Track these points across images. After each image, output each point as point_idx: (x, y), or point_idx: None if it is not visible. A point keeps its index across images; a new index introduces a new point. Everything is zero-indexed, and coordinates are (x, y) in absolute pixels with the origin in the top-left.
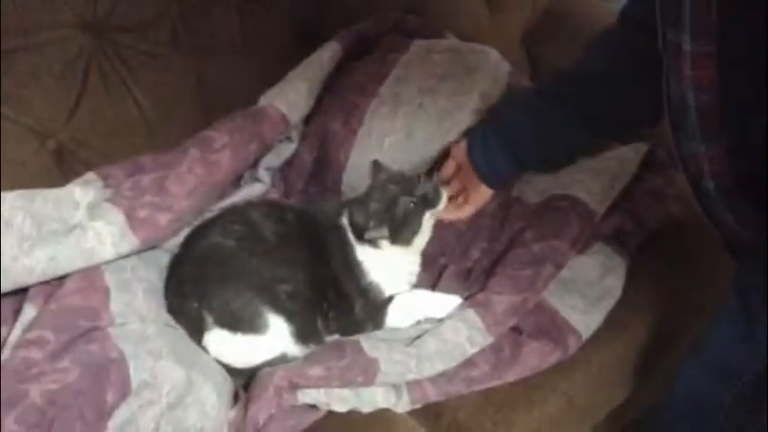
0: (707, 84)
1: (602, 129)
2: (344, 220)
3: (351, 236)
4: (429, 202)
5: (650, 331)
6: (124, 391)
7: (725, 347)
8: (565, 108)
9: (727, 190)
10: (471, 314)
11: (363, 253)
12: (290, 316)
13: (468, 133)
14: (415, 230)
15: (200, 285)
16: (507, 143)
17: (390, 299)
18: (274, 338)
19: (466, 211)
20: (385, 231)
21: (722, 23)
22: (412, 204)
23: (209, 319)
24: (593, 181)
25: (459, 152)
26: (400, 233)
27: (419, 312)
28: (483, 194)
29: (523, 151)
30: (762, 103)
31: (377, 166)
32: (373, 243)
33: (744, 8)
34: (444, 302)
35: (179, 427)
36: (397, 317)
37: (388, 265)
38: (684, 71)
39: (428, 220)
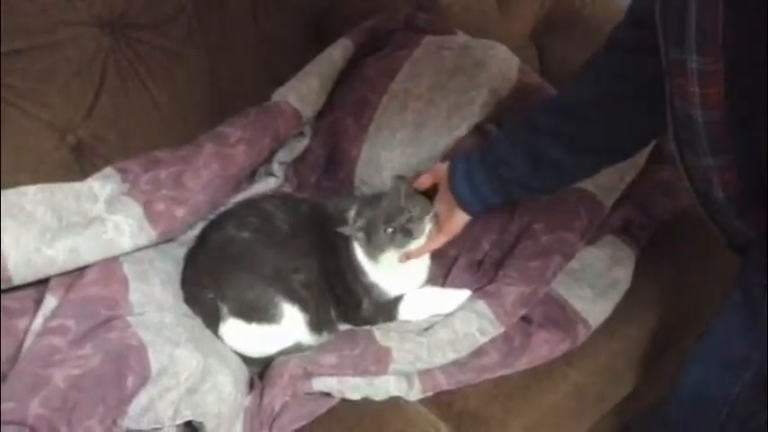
0: (714, 100)
1: (593, 158)
2: (351, 216)
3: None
4: (404, 235)
5: (658, 322)
6: (144, 377)
7: (728, 342)
8: (554, 140)
9: (735, 197)
10: (482, 305)
11: (362, 254)
12: (304, 305)
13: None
14: (382, 251)
15: (215, 276)
16: (493, 172)
17: (400, 297)
18: (289, 328)
19: (438, 242)
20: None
21: (728, 40)
22: (389, 231)
23: (225, 309)
24: (601, 174)
25: (440, 173)
26: (371, 250)
27: (430, 309)
28: (456, 223)
29: (510, 182)
30: (765, 114)
31: (397, 180)
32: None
33: (750, 24)
34: (454, 297)
35: (197, 411)
36: (408, 313)
37: (384, 269)
38: (690, 89)
39: (396, 251)
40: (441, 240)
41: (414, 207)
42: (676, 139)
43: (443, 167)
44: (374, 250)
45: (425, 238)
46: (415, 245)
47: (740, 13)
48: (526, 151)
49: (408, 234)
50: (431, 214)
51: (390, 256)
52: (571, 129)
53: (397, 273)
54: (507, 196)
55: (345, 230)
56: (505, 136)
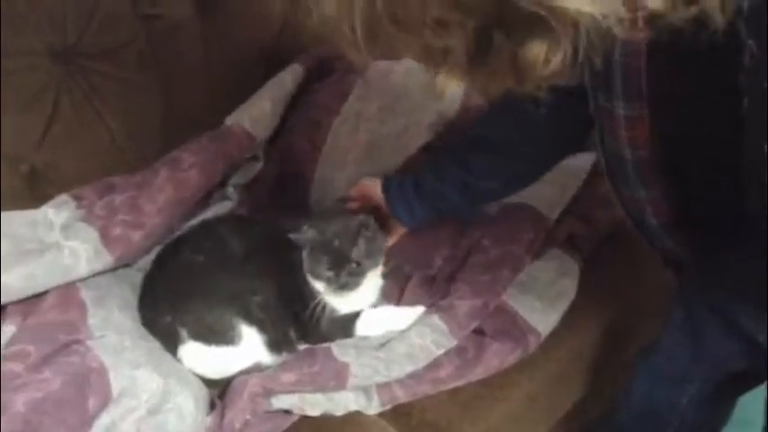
0: (642, 141)
1: (526, 182)
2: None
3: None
4: (340, 286)
5: (603, 330)
6: (105, 399)
7: (673, 357)
8: (487, 176)
9: (668, 224)
10: (435, 319)
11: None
12: (262, 326)
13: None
14: (317, 278)
15: (173, 300)
16: (427, 201)
17: (357, 314)
18: (248, 349)
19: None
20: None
21: (652, 88)
22: (329, 273)
23: (184, 333)
24: (545, 189)
25: (367, 190)
26: (309, 267)
27: (386, 325)
28: (395, 233)
29: (445, 209)
30: (693, 152)
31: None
32: None
33: (671, 73)
34: (409, 314)
35: None
36: (365, 329)
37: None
38: (619, 131)
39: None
40: (391, 240)
41: (362, 257)
42: (608, 172)
43: (371, 186)
44: (312, 270)
45: (368, 290)
46: (351, 296)
47: (661, 69)
48: (459, 187)
49: (345, 287)
50: (377, 268)
51: (324, 288)
52: (501, 164)
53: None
54: (444, 215)
55: (294, 236)
56: (437, 173)
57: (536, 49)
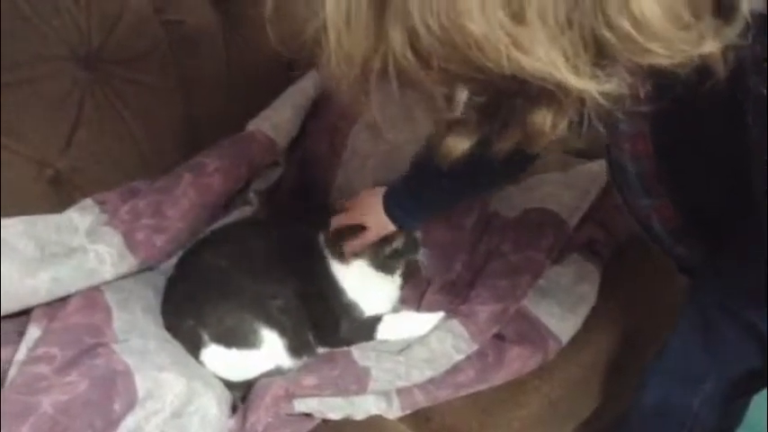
0: (644, 154)
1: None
2: (322, 238)
3: (329, 255)
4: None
5: (623, 335)
6: (131, 401)
7: (686, 358)
8: (473, 190)
9: (675, 230)
10: (456, 324)
11: (339, 272)
12: (282, 330)
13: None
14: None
15: (195, 304)
16: (427, 210)
17: (379, 318)
18: (268, 352)
19: (369, 236)
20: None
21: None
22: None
23: (206, 336)
24: (565, 195)
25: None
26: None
27: (406, 331)
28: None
29: (436, 206)
30: (696, 162)
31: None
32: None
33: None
34: (428, 320)
35: None
36: (386, 334)
37: (364, 287)
38: (623, 145)
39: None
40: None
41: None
42: (614, 181)
43: (368, 198)
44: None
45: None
46: (376, 292)
47: (660, 87)
48: (454, 198)
49: (384, 267)
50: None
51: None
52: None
53: (369, 290)
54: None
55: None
56: (432, 192)
57: (544, 116)
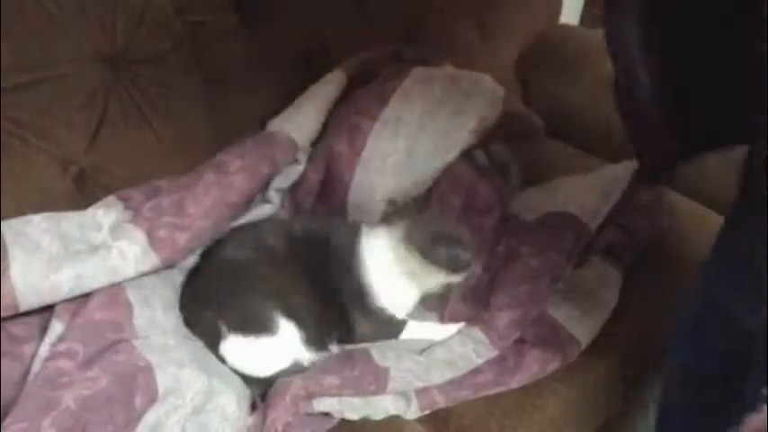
0: None
1: None
2: (362, 244)
3: (367, 259)
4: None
5: (643, 339)
6: (151, 397)
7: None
8: None
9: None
10: (476, 331)
11: (375, 276)
12: (300, 322)
13: None
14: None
15: (215, 296)
16: None
17: (403, 324)
18: (286, 342)
19: None
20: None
21: None
22: (440, 249)
23: (224, 328)
24: (585, 198)
25: None
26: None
27: (427, 337)
28: None
29: None
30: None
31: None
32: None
33: None
34: (447, 330)
35: (202, 430)
36: (407, 334)
37: (397, 292)
38: None
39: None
40: None
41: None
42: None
43: None
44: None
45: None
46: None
47: None
48: None
49: (462, 266)
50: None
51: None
52: None
53: (406, 295)
54: None
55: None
56: None
57: None
